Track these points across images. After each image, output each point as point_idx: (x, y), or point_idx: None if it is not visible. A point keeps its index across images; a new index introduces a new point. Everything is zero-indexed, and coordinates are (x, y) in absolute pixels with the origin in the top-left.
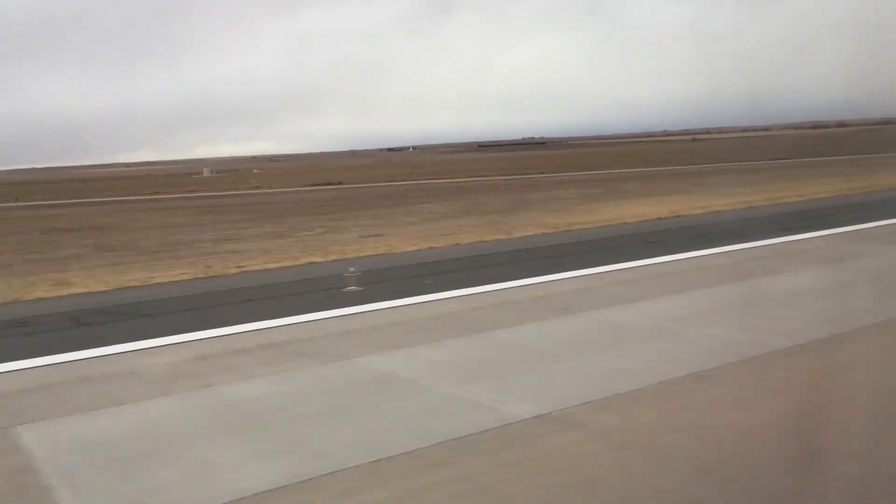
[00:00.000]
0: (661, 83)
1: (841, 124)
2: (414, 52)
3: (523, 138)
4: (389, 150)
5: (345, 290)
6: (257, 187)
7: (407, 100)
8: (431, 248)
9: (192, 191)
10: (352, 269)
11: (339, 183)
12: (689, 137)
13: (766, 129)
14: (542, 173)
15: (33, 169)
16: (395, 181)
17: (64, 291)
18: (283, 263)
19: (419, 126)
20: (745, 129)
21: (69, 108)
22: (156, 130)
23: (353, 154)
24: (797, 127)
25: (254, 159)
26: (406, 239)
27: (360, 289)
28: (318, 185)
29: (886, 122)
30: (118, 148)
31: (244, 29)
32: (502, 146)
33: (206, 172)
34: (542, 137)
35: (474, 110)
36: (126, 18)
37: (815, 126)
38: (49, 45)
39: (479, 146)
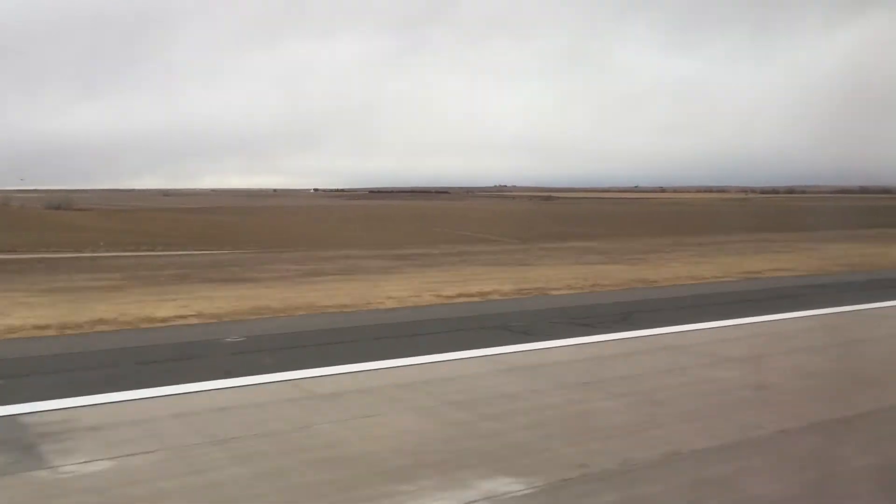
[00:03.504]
0: (638, 139)
1: (792, 190)
2: (400, 93)
3: (421, 186)
4: (315, 190)
5: None
6: None
7: (403, 140)
8: None
9: None
10: None
11: None
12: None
13: (722, 190)
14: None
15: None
16: None
17: None
18: None
19: (418, 166)
20: (698, 190)
21: (70, 130)
22: (159, 158)
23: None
24: (752, 190)
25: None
26: None
27: None
28: None
29: (844, 190)
30: (121, 173)
31: (242, 60)
32: (395, 193)
33: None
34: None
35: (459, 154)
36: (123, 44)
37: (774, 191)
38: (46, 66)
39: (371, 192)
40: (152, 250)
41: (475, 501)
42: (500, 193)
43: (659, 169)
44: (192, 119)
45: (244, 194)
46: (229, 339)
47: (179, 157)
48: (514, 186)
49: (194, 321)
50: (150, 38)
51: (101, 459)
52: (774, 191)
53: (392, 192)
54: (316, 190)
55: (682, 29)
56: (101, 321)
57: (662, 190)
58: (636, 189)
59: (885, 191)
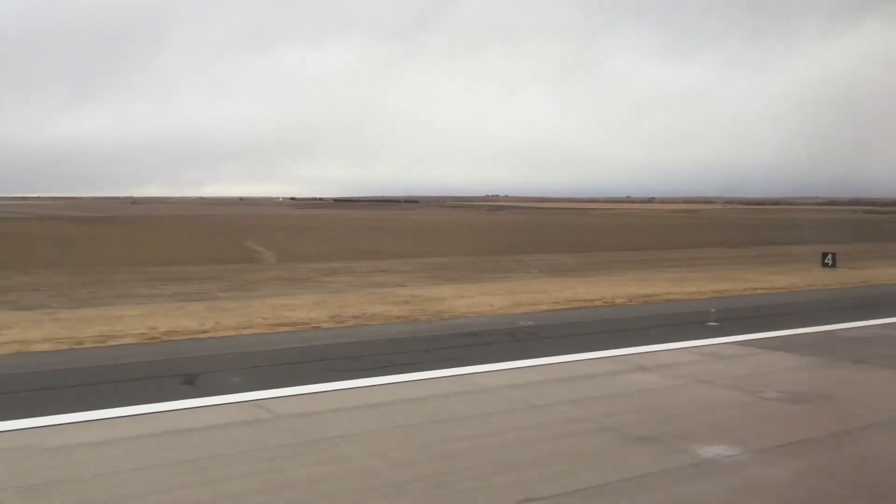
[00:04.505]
0: (633, 149)
1: (778, 202)
2: (396, 102)
3: (390, 196)
4: (293, 199)
5: None
6: None
7: (401, 150)
8: None
9: None
10: None
11: None
12: (493, 205)
13: (709, 201)
14: None
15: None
16: None
17: None
18: None
19: (416, 176)
20: (685, 200)
21: (73, 139)
22: (161, 166)
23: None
24: (739, 202)
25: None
26: None
27: None
28: None
29: (834, 201)
30: (123, 182)
31: (238, 67)
32: (359, 202)
33: None
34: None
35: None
36: (121, 51)
37: (760, 203)
38: (49, 74)
39: (336, 201)
40: None
41: None
42: (464, 204)
43: (653, 179)
44: (191, 126)
45: (216, 203)
46: None
47: (180, 164)
48: (507, 196)
49: None
50: (144, 45)
51: None
52: (761, 202)
53: (357, 200)
54: (293, 199)
55: (679, 37)
56: None
57: (652, 200)
58: (628, 199)
59: (874, 203)
